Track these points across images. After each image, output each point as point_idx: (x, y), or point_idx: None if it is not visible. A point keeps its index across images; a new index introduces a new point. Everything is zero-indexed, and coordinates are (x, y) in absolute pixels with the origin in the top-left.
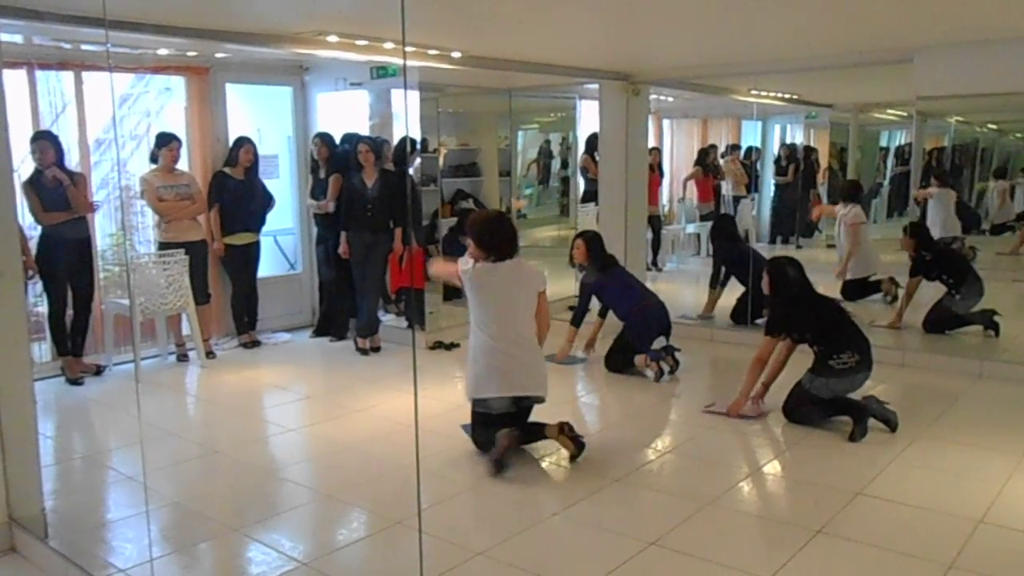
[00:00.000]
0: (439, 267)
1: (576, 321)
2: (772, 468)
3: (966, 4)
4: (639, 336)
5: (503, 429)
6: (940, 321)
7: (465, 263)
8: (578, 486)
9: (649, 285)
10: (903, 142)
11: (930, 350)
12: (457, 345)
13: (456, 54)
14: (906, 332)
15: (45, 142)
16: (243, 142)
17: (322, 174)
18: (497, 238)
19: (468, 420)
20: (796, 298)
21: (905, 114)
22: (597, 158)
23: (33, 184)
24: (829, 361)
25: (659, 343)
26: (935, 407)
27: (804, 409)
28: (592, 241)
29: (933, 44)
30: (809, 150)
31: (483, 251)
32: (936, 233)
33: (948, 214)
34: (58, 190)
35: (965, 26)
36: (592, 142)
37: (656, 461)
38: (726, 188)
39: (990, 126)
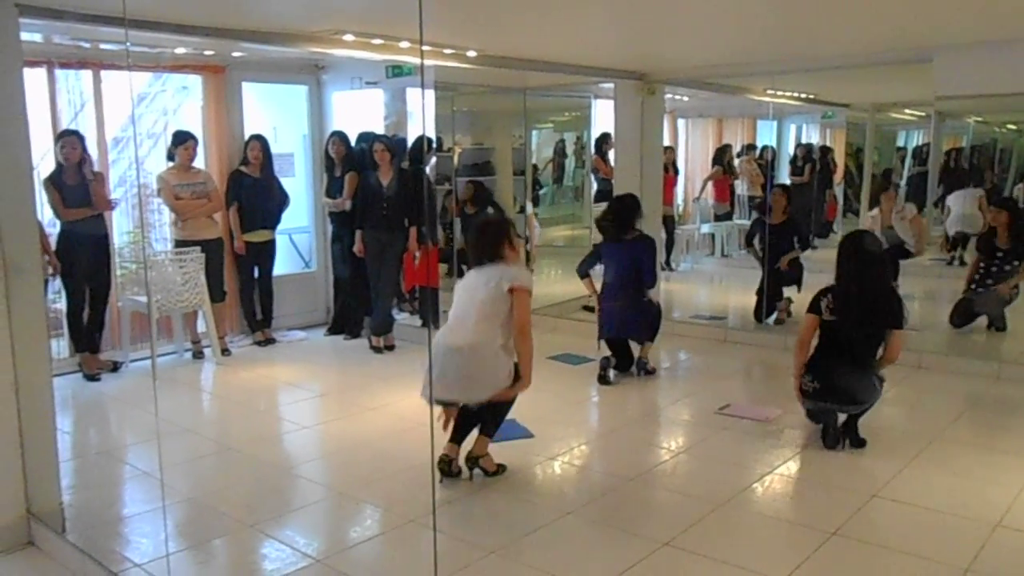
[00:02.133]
0: None
1: (579, 269)
2: (786, 469)
3: (986, 3)
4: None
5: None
6: (966, 315)
7: None
8: (591, 485)
9: (662, 285)
10: (921, 142)
11: (947, 352)
12: None
13: (471, 53)
14: (923, 334)
15: (74, 138)
16: (252, 139)
17: (338, 172)
18: (469, 242)
19: None
20: (840, 276)
21: (923, 114)
22: (608, 156)
23: (54, 181)
24: (803, 379)
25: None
26: (952, 409)
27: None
28: (617, 202)
29: (952, 43)
30: (825, 150)
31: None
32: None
33: (971, 209)
34: (79, 187)
35: (985, 25)
36: (601, 142)
37: (670, 461)
38: (741, 188)
39: (1009, 126)
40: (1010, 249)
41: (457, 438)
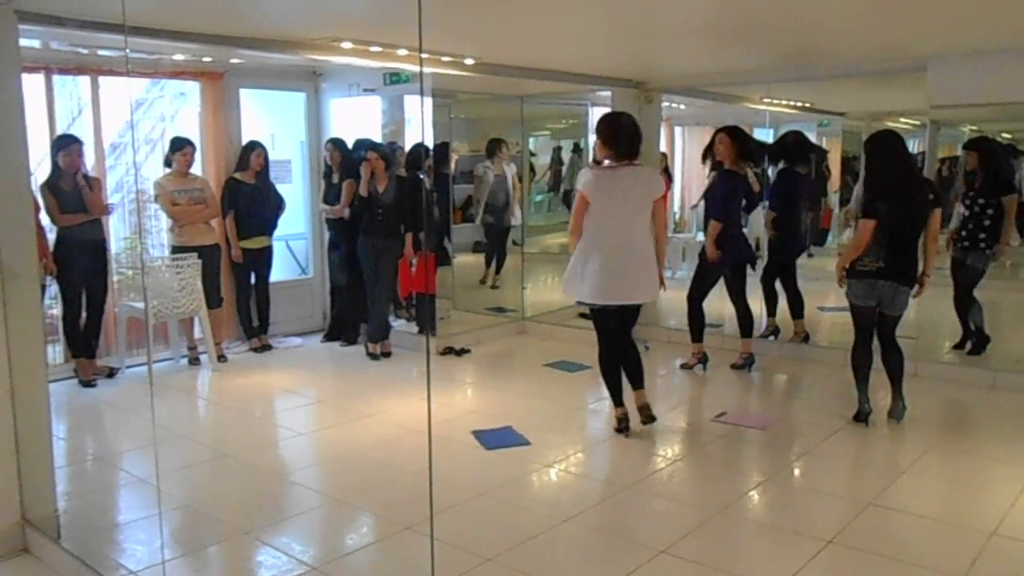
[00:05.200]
0: (572, 225)
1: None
2: (783, 477)
3: (981, 13)
4: (718, 258)
5: (622, 407)
6: (966, 279)
7: (583, 176)
8: (588, 493)
9: (660, 292)
10: (916, 151)
11: (943, 360)
12: (468, 351)
13: (469, 61)
14: (919, 342)
15: (77, 146)
16: (254, 147)
17: (335, 179)
18: (615, 132)
19: (478, 427)
20: (882, 172)
21: (918, 123)
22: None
23: (50, 186)
24: (858, 263)
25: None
26: (948, 417)
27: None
28: (734, 136)
29: (947, 53)
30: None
31: (604, 146)
32: None
33: None
34: (75, 192)
35: (979, 35)
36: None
37: (666, 469)
38: None
39: (1004, 135)
40: (981, 187)
41: (618, 400)
